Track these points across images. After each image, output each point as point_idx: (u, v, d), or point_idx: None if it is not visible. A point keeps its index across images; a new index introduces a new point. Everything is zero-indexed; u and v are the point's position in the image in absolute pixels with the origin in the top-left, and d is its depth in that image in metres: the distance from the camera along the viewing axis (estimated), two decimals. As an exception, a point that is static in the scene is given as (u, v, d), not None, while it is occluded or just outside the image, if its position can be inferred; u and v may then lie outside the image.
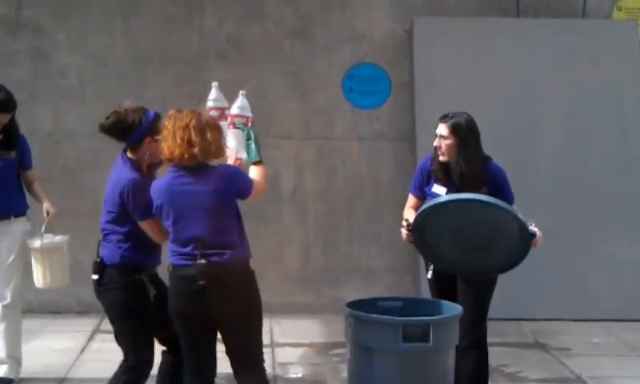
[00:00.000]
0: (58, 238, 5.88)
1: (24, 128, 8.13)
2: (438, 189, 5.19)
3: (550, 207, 7.97)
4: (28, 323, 7.69)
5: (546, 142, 8.29)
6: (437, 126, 5.19)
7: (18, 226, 6.08)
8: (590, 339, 7.49)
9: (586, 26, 8.54)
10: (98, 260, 4.80)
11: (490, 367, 5.40)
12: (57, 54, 8.35)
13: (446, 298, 5.07)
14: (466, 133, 5.10)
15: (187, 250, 4.38)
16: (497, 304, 5.34)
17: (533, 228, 4.87)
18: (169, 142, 4.38)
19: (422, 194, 5.28)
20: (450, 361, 4.75)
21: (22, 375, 6.24)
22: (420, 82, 8.28)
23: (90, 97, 8.32)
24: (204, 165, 4.41)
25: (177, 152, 4.35)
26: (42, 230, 5.87)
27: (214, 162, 4.50)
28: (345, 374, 5.12)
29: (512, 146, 7.88)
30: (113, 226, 4.69)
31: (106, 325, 7.66)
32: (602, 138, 8.30)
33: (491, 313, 5.28)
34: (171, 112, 4.47)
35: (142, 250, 4.68)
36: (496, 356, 6.36)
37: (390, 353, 4.57)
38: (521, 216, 4.82)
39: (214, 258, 4.34)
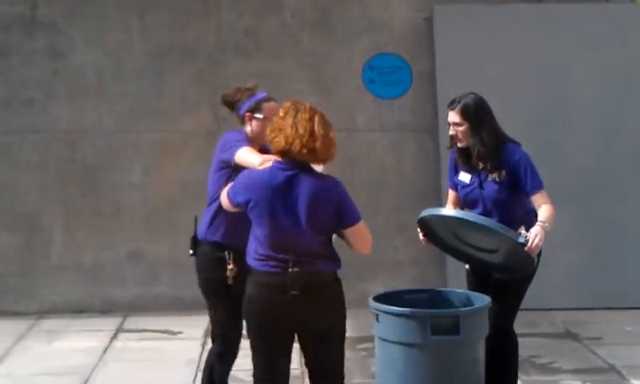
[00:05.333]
0: None
1: (43, 127, 8.19)
2: (463, 176, 5.12)
3: (579, 195, 7.88)
4: (51, 323, 7.74)
5: (573, 129, 8.14)
6: (447, 115, 5.09)
7: None
8: (622, 328, 7.37)
9: (610, 10, 8.37)
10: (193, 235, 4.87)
11: (521, 358, 5.30)
12: (73, 52, 8.29)
13: (482, 290, 4.95)
14: (475, 112, 4.98)
15: (279, 255, 4.10)
16: (527, 294, 5.21)
17: (523, 237, 4.66)
18: (287, 131, 4.10)
19: (455, 185, 5.19)
20: (480, 352, 4.64)
21: (46, 375, 6.22)
22: (442, 70, 8.17)
23: (108, 94, 8.27)
24: (311, 167, 4.16)
25: (297, 143, 4.08)
26: None
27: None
28: (373, 369, 5.04)
29: (538, 133, 7.75)
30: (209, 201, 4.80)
31: (129, 324, 7.73)
32: (629, 123, 8.15)
33: (522, 303, 5.16)
34: (288, 103, 4.24)
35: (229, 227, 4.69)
36: (527, 347, 6.25)
37: (418, 346, 4.47)
38: (503, 229, 4.63)
39: (307, 267, 4.10)
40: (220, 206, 4.57)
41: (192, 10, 8.37)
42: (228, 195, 4.30)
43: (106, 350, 6.98)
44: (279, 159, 4.18)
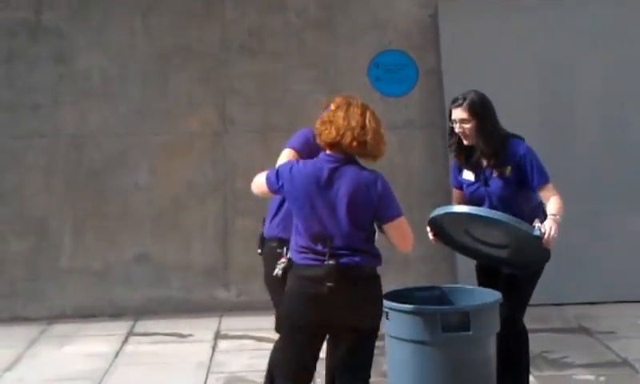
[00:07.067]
0: None
1: (49, 131, 8.18)
2: (467, 174, 5.09)
3: (588, 189, 7.84)
4: (61, 328, 7.73)
5: (582, 123, 8.10)
6: (450, 113, 5.03)
7: None
8: (634, 321, 7.33)
9: (617, 3, 8.28)
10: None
11: (533, 353, 5.29)
12: (78, 55, 8.28)
13: (491, 285, 4.92)
14: (481, 108, 4.94)
15: (317, 248, 4.07)
16: (538, 289, 5.19)
17: (537, 229, 4.65)
18: (338, 123, 4.11)
19: (460, 184, 5.15)
20: (491, 349, 4.64)
21: (58, 381, 6.21)
22: (448, 67, 8.13)
23: (114, 97, 8.26)
24: (356, 161, 4.15)
25: (348, 135, 4.08)
26: None
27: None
28: (385, 367, 5.01)
29: (546, 128, 7.75)
30: None
31: (140, 327, 7.70)
32: (637, 117, 8.08)
33: (533, 299, 5.14)
34: (340, 98, 4.26)
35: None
36: (539, 342, 6.23)
37: (429, 343, 4.47)
38: (519, 223, 4.61)
39: (343, 260, 4.06)
40: (280, 200, 4.56)
41: (195, 10, 8.35)
42: (268, 179, 4.24)
43: (117, 355, 6.96)
44: (327, 152, 4.17)
